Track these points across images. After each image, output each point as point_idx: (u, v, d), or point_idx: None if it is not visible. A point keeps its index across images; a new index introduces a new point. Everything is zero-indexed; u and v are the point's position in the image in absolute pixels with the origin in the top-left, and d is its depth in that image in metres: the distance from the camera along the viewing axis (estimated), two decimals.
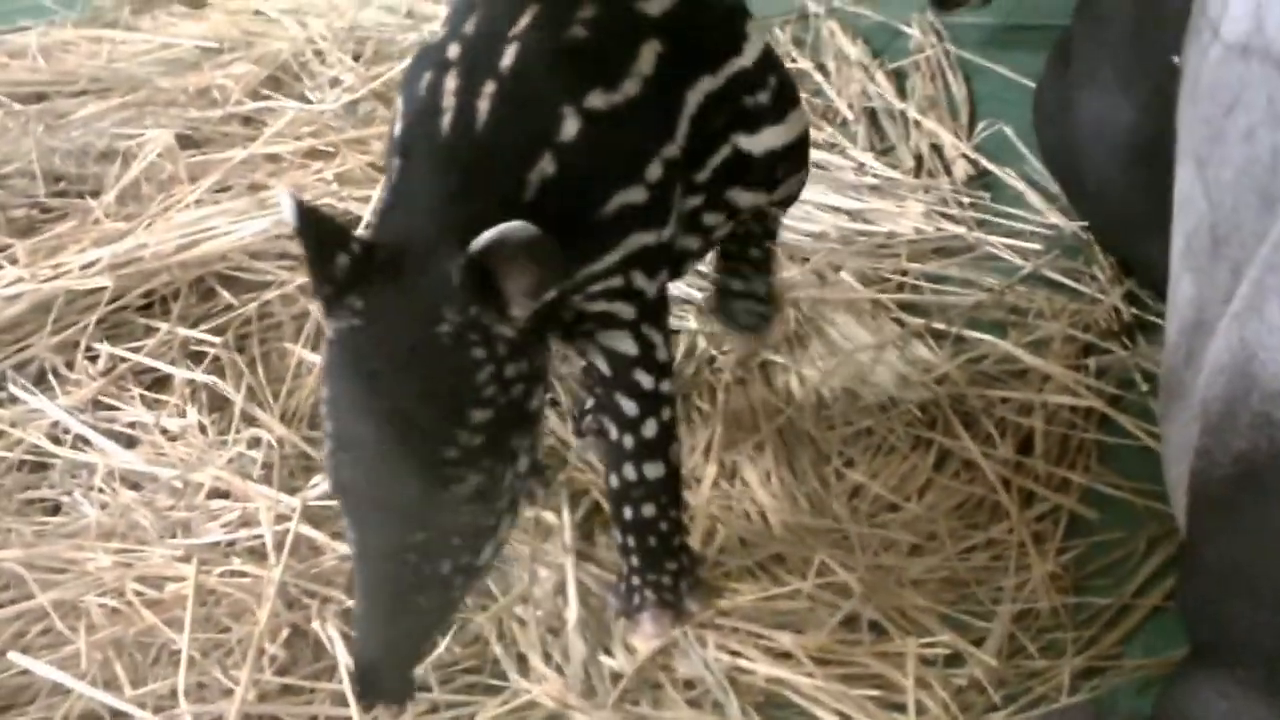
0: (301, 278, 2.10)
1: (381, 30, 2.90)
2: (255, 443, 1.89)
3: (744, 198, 1.76)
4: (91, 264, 2.10)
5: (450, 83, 1.51)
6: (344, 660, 1.63)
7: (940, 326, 2.16)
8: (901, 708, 1.60)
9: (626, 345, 1.61)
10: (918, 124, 2.68)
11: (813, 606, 1.71)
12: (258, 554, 1.76)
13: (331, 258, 1.39)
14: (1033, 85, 2.62)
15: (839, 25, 3.03)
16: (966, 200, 2.47)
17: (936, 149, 2.63)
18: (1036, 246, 2.34)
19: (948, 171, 2.57)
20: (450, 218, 1.42)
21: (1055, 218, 2.40)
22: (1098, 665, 1.67)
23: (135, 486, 1.86)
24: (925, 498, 1.89)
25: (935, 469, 1.94)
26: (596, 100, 1.53)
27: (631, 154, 1.57)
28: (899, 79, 2.87)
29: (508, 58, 1.52)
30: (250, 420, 1.93)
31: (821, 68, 2.90)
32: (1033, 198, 2.47)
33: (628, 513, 1.66)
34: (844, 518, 1.85)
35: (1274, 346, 1.39)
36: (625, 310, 1.59)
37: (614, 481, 1.66)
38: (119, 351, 2.02)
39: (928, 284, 2.26)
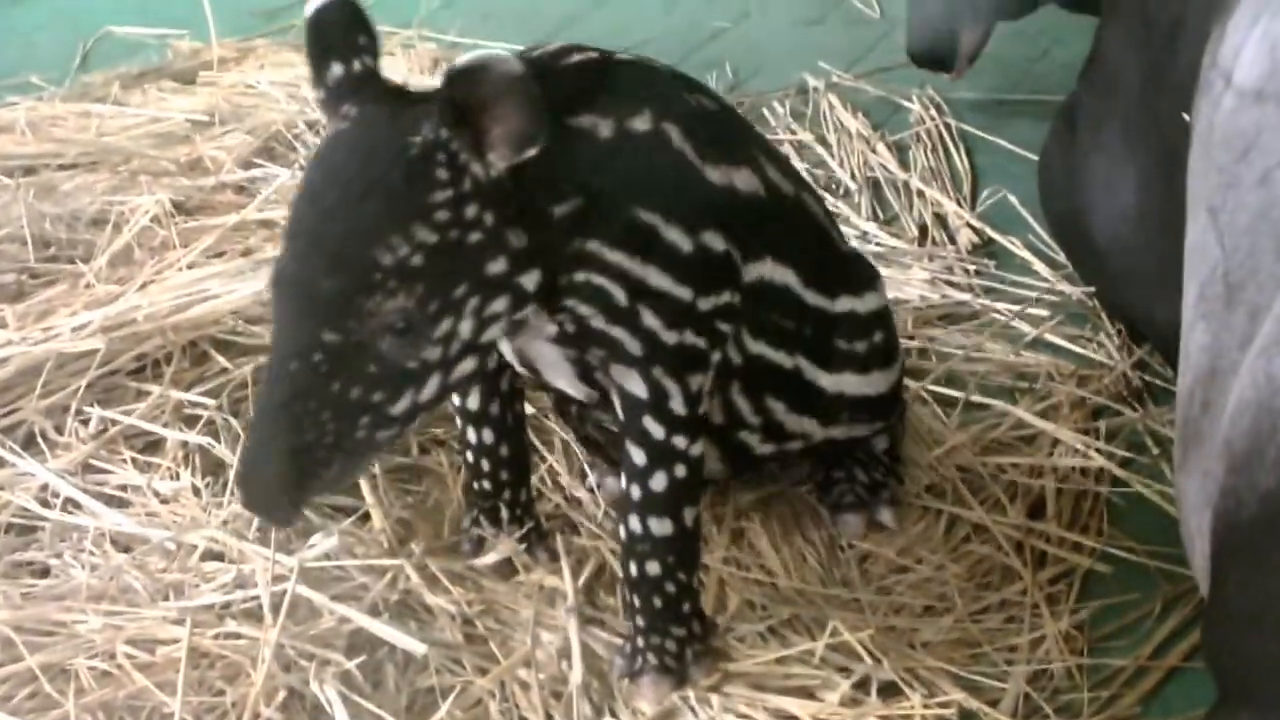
0: None
1: None
2: None
3: (790, 419, 1.84)
4: (82, 327, 2.14)
5: None
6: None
7: (948, 392, 2.20)
8: None
9: (635, 386, 1.63)
10: (921, 194, 2.75)
11: (823, 670, 1.73)
12: (253, 616, 1.77)
13: (331, 65, 1.47)
14: (1034, 157, 2.69)
15: (839, 99, 3.11)
16: (971, 268, 2.53)
17: (940, 218, 2.69)
18: (1044, 313, 2.39)
19: (952, 240, 2.63)
20: None
21: (1062, 284, 2.46)
22: None
23: (126, 549, 1.88)
24: (935, 561, 1.92)
25: (945, 534, 1.97)
26: (674, 135, 1.61)
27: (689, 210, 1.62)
28: (900, 151, 2.94)
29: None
30: None
31: (823, 140, 2.97)
32: (1038, 265, 2.53)
33: (633, 568, 1.69)
34: (854, 581, 1.88)
35: None
36: (630, 343, 1.61)
37: (622, 533, 1.69)
38: (110, 414, 2.05)
39: (935, 349, 2.31)
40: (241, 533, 1.86)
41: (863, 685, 1.71)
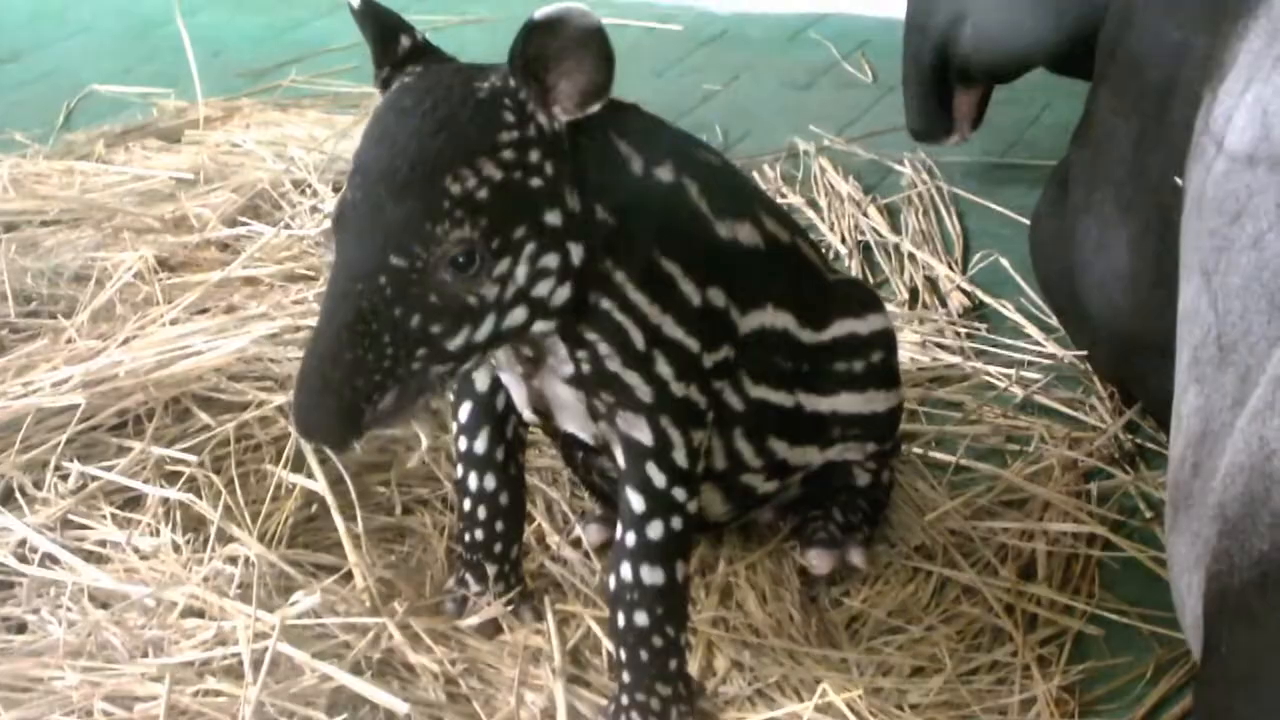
0: (281, 399, 2.16)
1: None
2: (232, 560, 1.93)
3: (793, 454, 1.91)
4: (63, 382, 2.16)
5: None
6: None
7: (939, 456, 2.24)
8: None
9: (641, 433, 1.68)
10: (912, 257, 2.79)
11: None
12: (233, 673, 1.78)
13: (395, 39, 1.57)
14: (1026, 221, 2.74)
15: (830, 162, 3.17)
16: (963, 331, 2.57)
17: (931, 281, 2.74)
18: (1035, 376, 2.43)
19: (943, 303, 2.67)
20: None
21: (1054, 347, 2.50)
22: None
23: (105, 605, 1.89)
24: (925, 621, 1.94)
25: (935, 595, 2.00)
26: (692, 191, 1.70)
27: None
28: (891, 215, 2.99)
29: None
30: (227, 539, 1.98)
31: (813, 204, 3.02)
32: (1030, 328, 2.57)
33: (621, 618, 1.71)
34: (843, 641, 1.90)
35: None
36: (642, 389, 1.67)
37: (611, 583, 1.72)
38: (90, 470, 2.07)
39: (924, 411, 2.34)
40: (222, 589, 1.88)
41: None
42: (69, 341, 2.30)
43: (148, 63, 3.90)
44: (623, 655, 1.72)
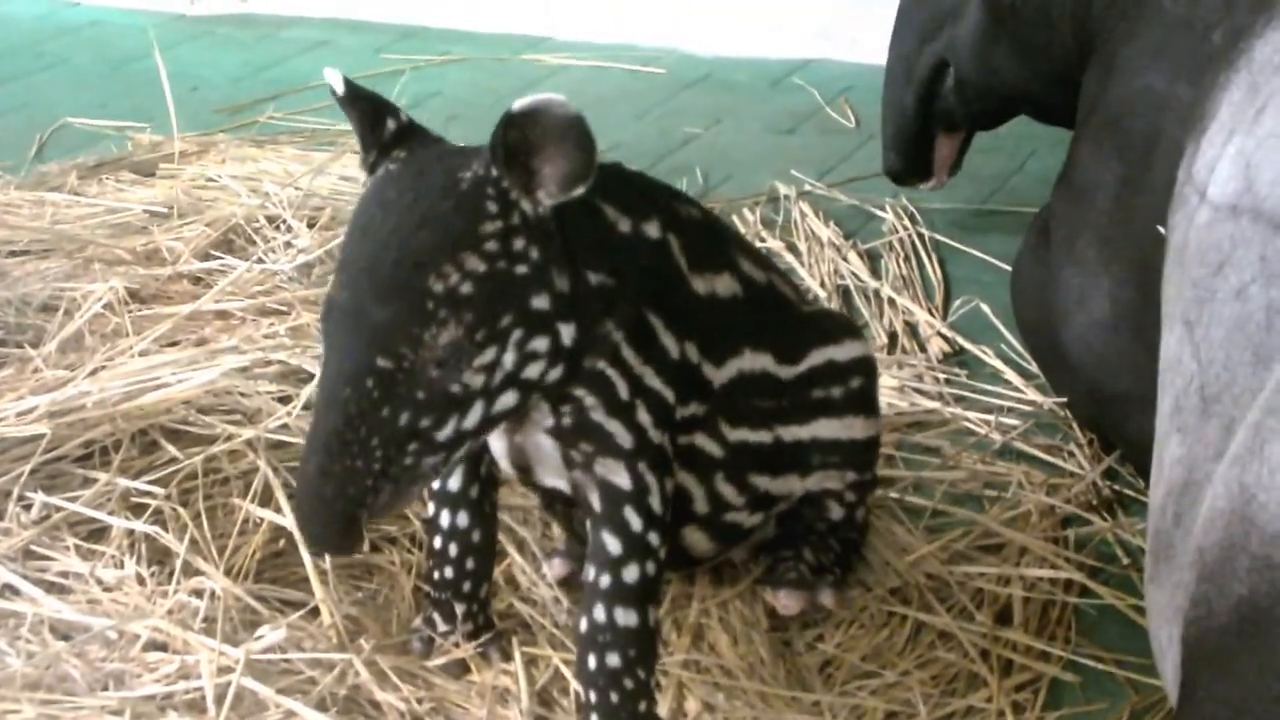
0: (250, 432, 2.17)
1: (338, 198, 3.03)
2: (197, 594, 1.93)
3: (775, 484, 1.95)
4: (28, 411, 2.17)
5: None
6: None
7: (916, 500, 2.25)
8: None
9: (621, 478, 1.72)
10: (892, 302, 2.82)
11: None
12: (196, 707, 1.79)
13: (380, 123, 1.61)
14: (1008, 268, 2.77)
15: (810, 207, 3.20)
16: (942, 376, 2.59)
17: (911, 327, 2.76)
18: (1014, 422, 2.45)
19: (922, 349, 2.69)
20: None
21: (1033, 394, 2.52)
22: None
23: (66, 638, 1.89)
24: (900, 666, 1.95)
25: (910, 640, 2.01)
26: (674, 248, 1.76)
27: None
28: (872, 260, 3.02)
29: None
30: (192, 573, 1.98)
31: (793, 248, 3.05)
32: (1010, 375, 2.59)
33: (592, 660, 1.72)
34: (816, 686, 1.91)
35: (1275, 487, 1.46)
36: (623, 436, 1.70)
37: (583, 625, 1.73)
38: (54, 500, 2.07)
39: (902, 456, 2.36)
40: (187, 623, 1.88)
41: None
42: (35, 371, 2.31)
43: (123, 97, 3.93)
44: (592, 697, 1.73)
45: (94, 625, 1.89)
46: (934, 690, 1.91)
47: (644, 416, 1.71)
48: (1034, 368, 2.59)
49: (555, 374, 1.63)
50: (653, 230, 1.73)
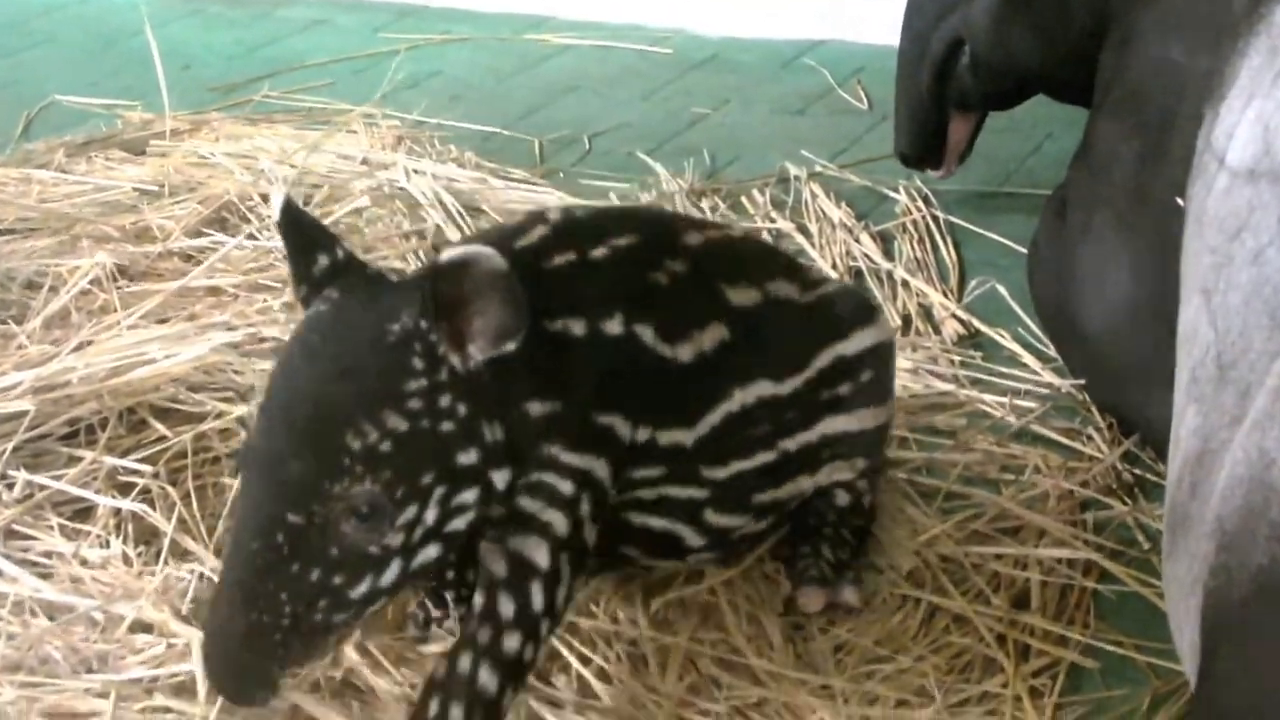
0: (241, 409, 2.15)
1: (334, 176, 3.00)
2: (185, 575, 1.91)
3: (781, 491, 1.93)
4: (11, 387, 2.15)
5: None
6: None
7: (930, 482, 2.23)
8: None
9: (541, 557, 1.65)
10: (905, 284, 2.79)
11: None
12: (184, 690, 1.77)
13: (314, 257, 1.58)
14: (1024, 250, 2.74)
15: (821, 188, 3.17)
16: (957, 359, 2.56)
17: (925, 309, 2.73)
18: (1031, 405, 2.42)
19: (937, 331, 2.66)
20: None
21: (1050, 377, 2.49)
22: None
23: (49, 619, 1.87)
24: (914, 651, 1.93)
25: (924, 624, 1.98)
26: (646, 336, 1.73)
27: (632, 404, 1.72)
28: (885, 241, 2.99)
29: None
30: (181, 553, 1.96)
31: (803, 229, 3.02)
32: (1027, 358, 2.56)
33: (434, 706, 1.61)
34: (828, 669, 1.89)
35: None
36: (560, 524, 1.66)
37: (441, 669, 1.63)
38: (38, 479, 2.05)
39: (915, 438, 2.33)
40: (174, 604, 1.86)
41: None
42: (19, 347, 2.29)
43: (114, 76, 3.91)
44: None
45: (78, 606, 1.87)
46: (948, 676, 1.89)
47: (585, 508, 1.68)
48: (1051, 351, 2.56)
49: (487, 513, 1.61)
50: (614, 326, 1.71)
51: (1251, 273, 1.68)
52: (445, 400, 1.54)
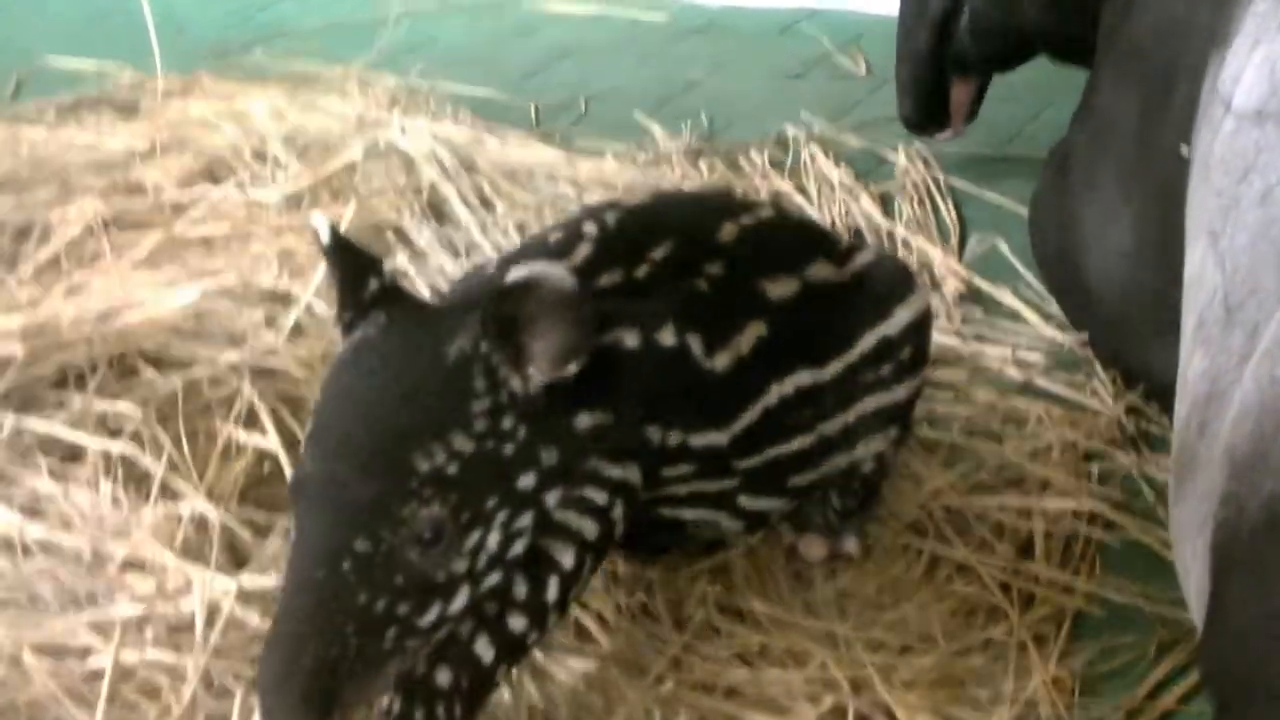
0: (234, 356, 2.12)
1: (328, 135, 2.97)
2: (176, 516, 1.88)
3: (820, 470, 1.90)
4: (1, 330, 2.12)
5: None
6: None
7: (932, 434, 2.20)
8: None
9: (567, 559, 1.63)
10: (906, 243, 2.77)
11: (793, 699, 1.71)
12: (175, 630, 1.74)
13: (364, 281, 1.55)
14: (1025, 212, 2.72)
15: (820, 149, 3.14)
16: (958, 315, 2.54)
17: (926, 268, 2.71)
18: (1035, 358, 2.40)
19: (937, 288, 2.64)
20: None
21: (1053, 333, 2.47)
22: None
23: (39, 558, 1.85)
24: (917, 599, 1.90)
25: (927, 573, 1.96)
26: (695, 346, 1.72)
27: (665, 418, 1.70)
28: (884, 202, 2.96)
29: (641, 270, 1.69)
30: (172, 496, 1.93)
31: (802, 189, 2.99)
32: (1029, 315, 2.54)
33: (422, 664, 1.57)
34: (831, 617, 1.86)
35: None
36: (591, 529, 1.65)
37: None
38: (26, 422, 2.02)
39: None
40: (165, 543, 1.84)
41: (834, 715, 1.69)
42: (9, 293, 2.26)
43: (106, 39, 3.86)
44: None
45: (67, 544, 1.84)
46: (952, 623, 1.87)
47: (618, 512, 1.67)
48: (1053, 308, 2.54)
49: (542, 542, 1.60)
50: (667, 337, 1.69)
51: (1259, 213, 1.67)
52: (507, 422, 1.52)
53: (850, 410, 1.89)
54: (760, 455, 1.81)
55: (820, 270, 1.90)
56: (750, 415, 1.78)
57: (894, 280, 1.97)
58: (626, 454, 1.66)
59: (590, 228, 1.78)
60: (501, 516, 1.53)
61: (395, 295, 1.58)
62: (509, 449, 1.52)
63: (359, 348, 1.54)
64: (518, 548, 1.55)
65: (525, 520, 1.55)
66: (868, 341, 1.90)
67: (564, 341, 1.52)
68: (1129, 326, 2.27)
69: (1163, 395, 2.20)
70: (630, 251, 1.74)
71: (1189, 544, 1.65)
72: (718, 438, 1.75)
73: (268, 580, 1.77)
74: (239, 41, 3.84)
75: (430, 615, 1.50)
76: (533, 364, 1.53)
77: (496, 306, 1.50)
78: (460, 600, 1.52)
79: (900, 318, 1.93)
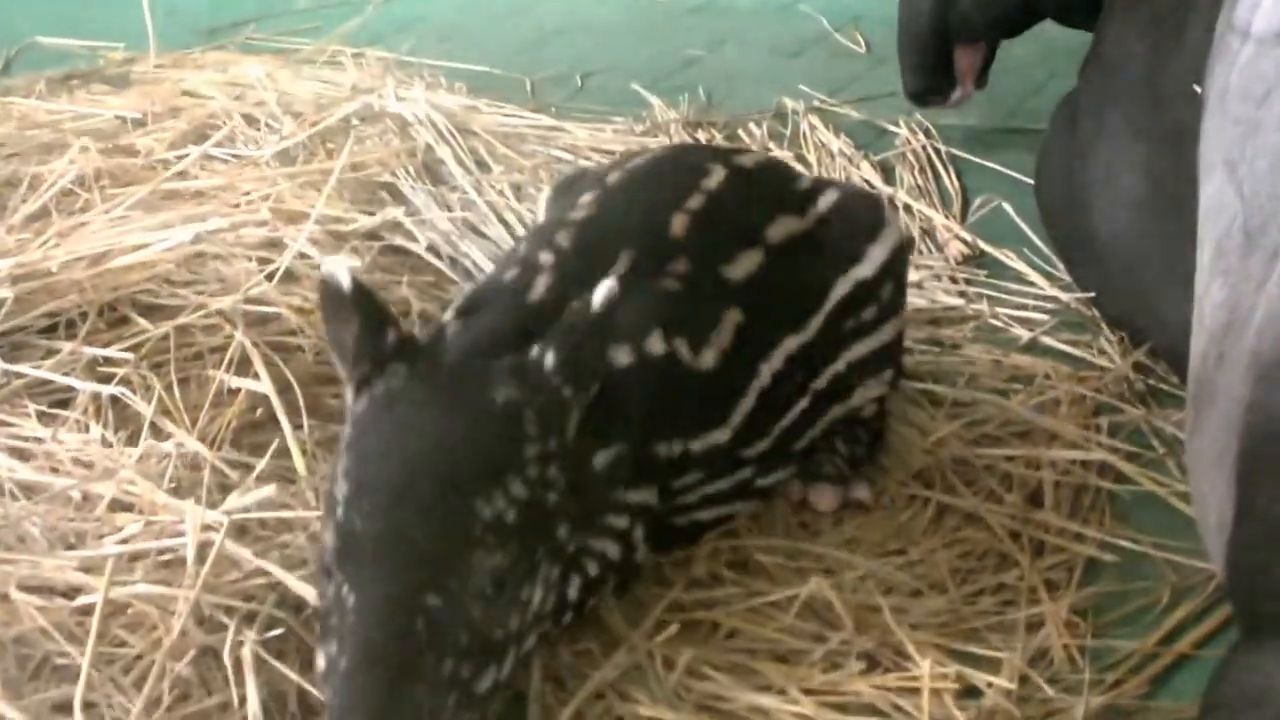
0: (227, 300, 2.08)
1: (320, 98, 2.93)
2: (166, 455, 1.84)
3: (816, 428, 1.89)
4: None
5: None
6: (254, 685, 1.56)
7: (937, 389, 2.17)
8: None
9: (591, 568, 1.60)
10: (908, 208, 2.74)
11: (797, 638, 1.67)
12: (164, 566, 1.70)
13: (382, 332, 1.50)
14: (1028, 180, 2.70)
15: (820, 121, 3.12)
16: (962, 276, 2.51)
17: (928, 233, 2.68)
18: (1041, 317, 2.37)
19: (940, 252, 2.61)
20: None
21: (1059, 293, 2.44)
22: (1123, 707, 1.64)
23: (27, 500, 1.81)
24: (926, 546, 1.87)
25: (935, 521, 1.93)
26: (683, 350, 1.70)
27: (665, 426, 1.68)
28: (885, 171, 2.94)
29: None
30: (163, 438, 1.89)
31: (801, 159, 2.97)
32: (1034, 276, 2.51)
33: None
34: (840, 564, 1.83)
35: None
36: (612, 550, 1.62)
37: None
38: (15, 367, 1.98)
39: (921, 349, 2.28)
40: (155, 483, 1.79)
41: (839, 656, 1.66)
42: None
43: (96, 19, 3.83)
44: None
45: (56, 485, 1.80)
46: (961, 567, 1.83)
47: (639, 534, 1.66)
48: (1059, 270, 2.51)
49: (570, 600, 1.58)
50: (656, 346, 1.66)
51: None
52: (553, 471, 1.49)
53: (839, 360, 1.88)
54: (766, 437, 1.79)
55: (782, 227, 1.87)
56: (747, 403, 1.76)
57: (862, 217, 1.94)
58: (644, 477, 1.64)
59: (545, 256, 1.75)
60: (544, 570, 1.49)
61: (413, 346, 1.54)
62: (553, 498, 1.49)
63: (390, 402, 1.48)
64: (550, 604, 1.51)
65: (555, 572, 1.51)
66: (842, 288, 1.87)
67: (588, 361, 1.52)
68: (1137, 276, 2.25)
69: (1171, 350, 2.18)
70: (590, 269, 1.68)
71: (1208, 474, 1.62)
72: (719, 436, 1.73)
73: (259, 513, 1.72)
74: (230, 21, 3.81)
75: (487, 680, 1.44)
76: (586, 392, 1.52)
77: (569, 347, 1.50)
78: (509, 663, 1.46)
79: (874, 256, 1.90)
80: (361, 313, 1.52)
